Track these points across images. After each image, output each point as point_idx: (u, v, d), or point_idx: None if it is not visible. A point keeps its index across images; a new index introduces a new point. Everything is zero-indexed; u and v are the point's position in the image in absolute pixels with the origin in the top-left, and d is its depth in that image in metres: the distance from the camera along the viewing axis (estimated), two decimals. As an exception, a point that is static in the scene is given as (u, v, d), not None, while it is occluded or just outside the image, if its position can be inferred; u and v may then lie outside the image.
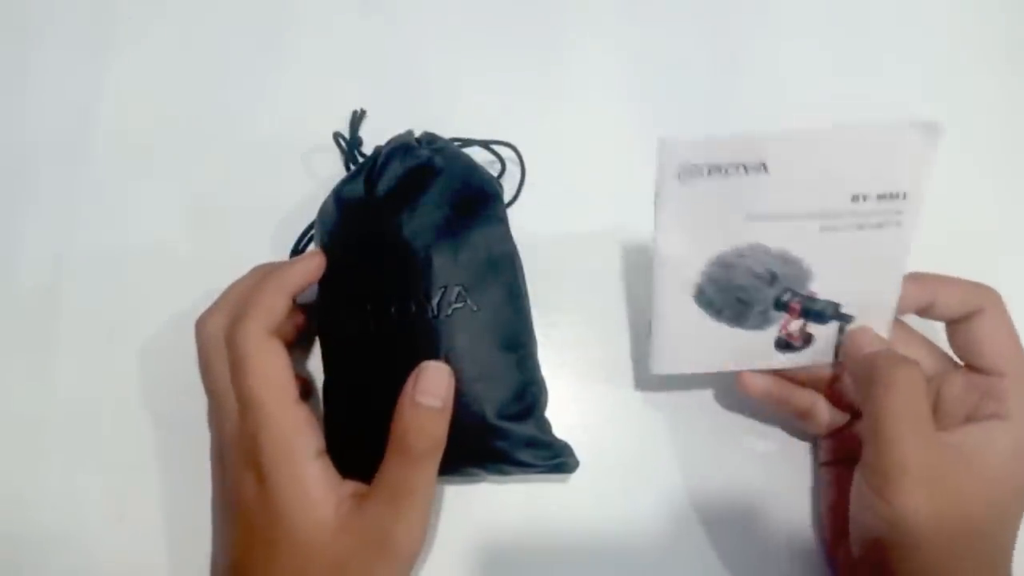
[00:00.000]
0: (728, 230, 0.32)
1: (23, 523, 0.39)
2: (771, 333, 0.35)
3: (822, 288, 0.34)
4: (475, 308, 0.35)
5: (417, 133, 0.40)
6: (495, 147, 0.41)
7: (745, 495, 0.39)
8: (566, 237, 0.43)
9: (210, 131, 0.45)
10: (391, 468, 0.32)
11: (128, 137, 0.45)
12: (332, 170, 0.43)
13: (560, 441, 0.37)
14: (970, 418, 0.33)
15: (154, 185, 0.44)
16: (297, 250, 0.42)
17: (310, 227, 0.41)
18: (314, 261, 0.36)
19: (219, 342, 0.33)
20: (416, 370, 0.33)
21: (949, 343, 0.36)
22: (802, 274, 0.33)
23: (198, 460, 0.39)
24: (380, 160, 0.37)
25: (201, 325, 0.35)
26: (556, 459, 0.36)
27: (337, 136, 0.41)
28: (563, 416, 0.38)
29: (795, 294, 0.34)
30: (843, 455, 0.37)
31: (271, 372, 0.32)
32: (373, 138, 0.40)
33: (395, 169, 0.37)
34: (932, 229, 0.42)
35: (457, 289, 0.35)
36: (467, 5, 0.48)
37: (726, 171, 0.31)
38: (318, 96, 0.46)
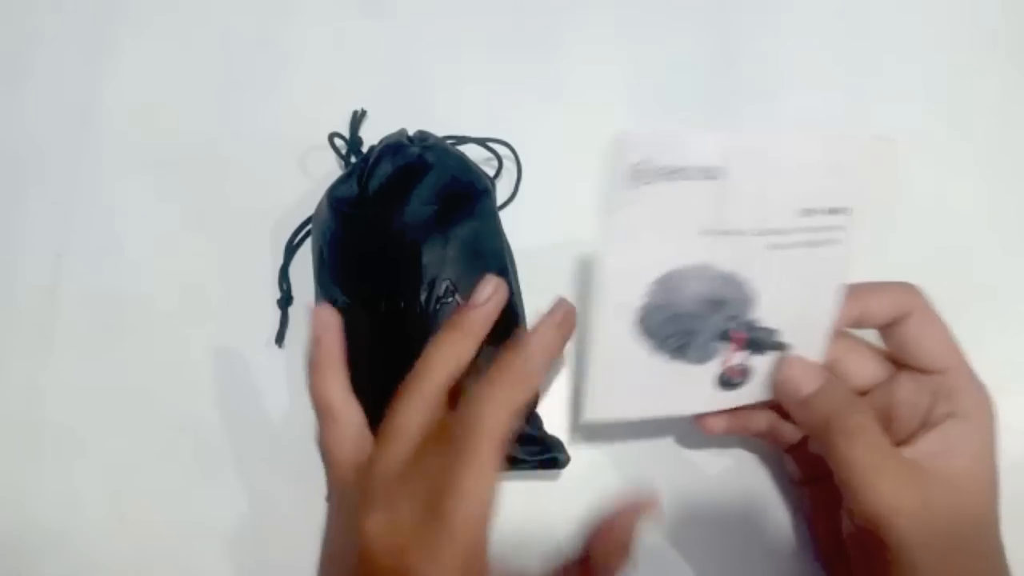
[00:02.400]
0: (678, 244, 0.30)
1: (23, 523, 0.39)
2: (712, 369, 0.33)
3: (763, 314, 0.32)
4: (463, 303, 0.35)
5: (412, 132, 0.40)
6: (492, 145, 0.42)
7: (745, 494, 0.39)
8: (564, 235, 0.43)
9: (210, 131, 0.45)
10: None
11: (128, 137, 0.45)
12: (331, 170, 0.43)
13: (551, 437, 0.37)
14: (926, 423, 0.32)
15: (154, 185, 0.44)
16: (291, 246, 0.42)
17: (304, 224, 0.42)
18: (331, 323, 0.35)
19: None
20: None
21: (886, 347, 0.35)
22: (745, 299, 0.31)
23: (198, 460, 0.40)
24: (372, 159, 0.38)
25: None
26: (547, 455, 0.36)
27: (332, 137, 0.41)
28: (562, 416, 0.38)
29: (740, 322, 0.32)
30: (811, 472, 0.37)
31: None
32: (373, 138, 0.40)
33: (386, 168, 0.37)
34: (932, 229, 0.43)
35: (445, 284, 0.35)
36: (467, 5, 0.48)
37: (682, 174, 0.28)
38: (318, 96, 0.46)
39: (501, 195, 0.42)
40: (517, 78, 0.46)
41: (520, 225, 0.42)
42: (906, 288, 0.34)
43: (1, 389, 0.41)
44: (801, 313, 0.32)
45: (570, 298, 0.38)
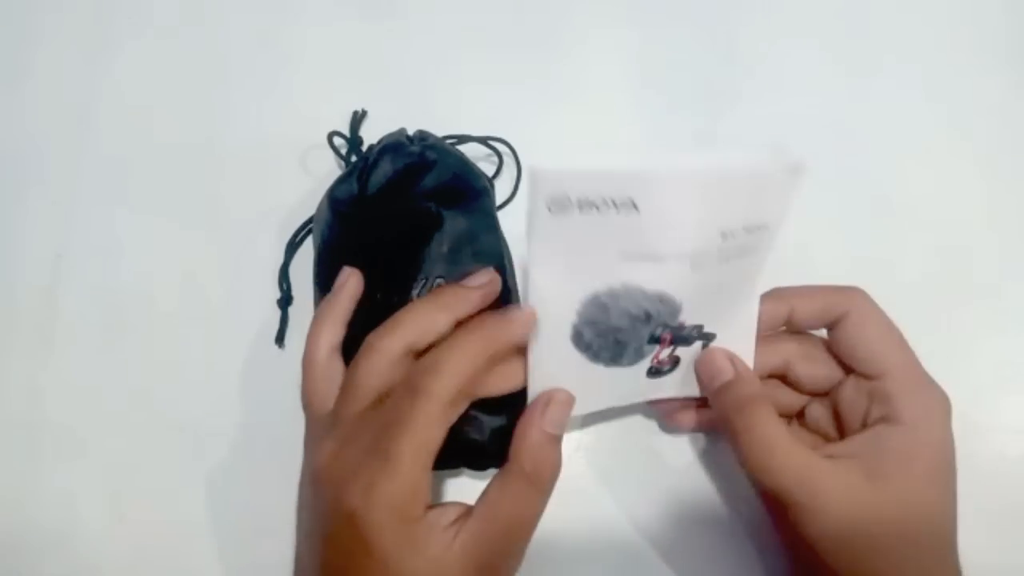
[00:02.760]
0: (602, 268, 0.31)
1: (23, 523, 0.39)
2: (644, 366, 0.35)
3: (689, 316, 0.33)
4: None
5: (412, 132, 0.40)
6: (492, 144, 0.42)
7: (742, 494, 0.39)
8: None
9: (211, 130, 0.45)
10: (513, 496, 0.31)
11: (128, 137, 0.45)
12: (332, 169, 0.43)
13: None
14: (864, 424, 0.33)
15: (154, 185, 0.45)
16: (294, 243, 0.42)
17: (305, 224, 0.42)
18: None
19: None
20: (544, 398, 0.32)
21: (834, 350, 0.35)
22: (674, 309, 0.33)
23: (198, 460, 0.40)
24: (371, 159, 0.38)
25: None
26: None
27: (331, 136, 0.41)
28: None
29: (667, 327, 0.33)
30: None
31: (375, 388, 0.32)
32: (374, 138, 0.40)
33: (385, 167, 0.37)
34: (932, 229, 0.43)
35: (438, 280, 0.36)
36: (467, 4, 0.48)
37: (597, 207, 0.28)
38: (318, 96, 0.46)
39: (501, 194, 0.42)
40: (517, 78, 0.46)
41: (519, 224, 0.41)
42: (844, 291, 0.34)
43: (1, 389, 0.41)
44: (725, 314, 0.34)
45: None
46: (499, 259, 0.38)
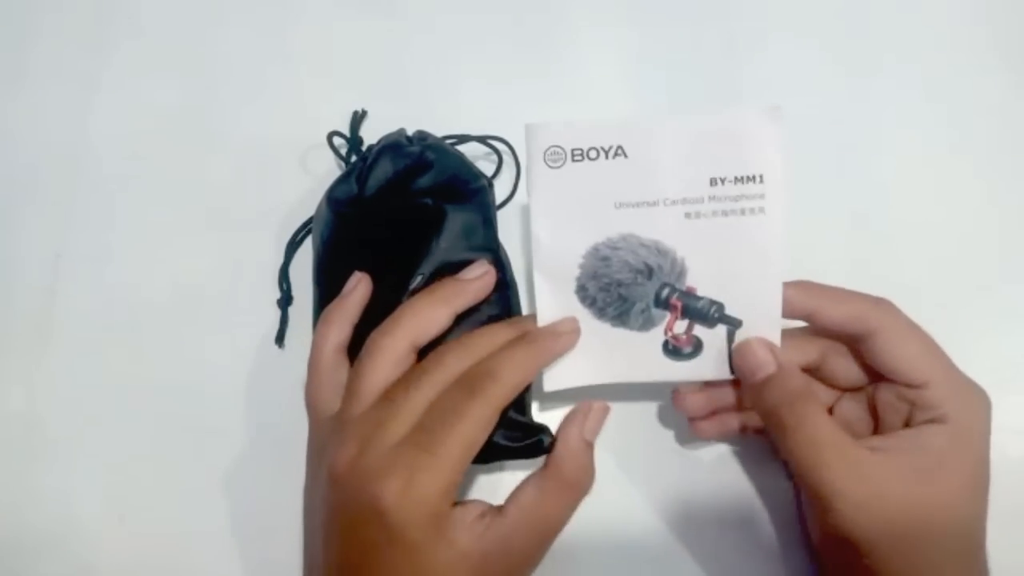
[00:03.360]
0: (599, 218, 0.34)
1: (23, 523, 0.39)
2: (657, 336, 0.35)
3: (699, 284, 0.34)
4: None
5: (412, 132, 0.40)
6: (492, 143, 0.42)
7: (745, 491, 0.39)
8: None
9: (211, 131, 0.45)
10: (552, 500, 0.32)
11: (128, 136, 0.45)
12: (332, 169, 0.43)
13: (536, 423, 0.36)
14: (906, 424, 0.33)
15: (154, 185, 0.45)
16: (294, 243, 0.42)
17: (305, 224, 0.42)
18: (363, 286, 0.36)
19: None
20: (585, 407, 0.34)
21: (863, 359, 0.35)
22: (677, 267, 0.34)
23: (198, 460, 0.40)
24: (370, 159, 0.38)
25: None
26: (530, 440, 0.35)
27: (331, 136, 0.41)
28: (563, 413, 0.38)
29: (674, 289, 0.34)
30: None
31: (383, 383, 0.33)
32: (373, 138, 0.40)
33: (385, 167, 0.38)
34: (932, 229, 0.43)
35: (431, 276, 0.36)
36: (467, 4, 0.48)
37: (588, 155, 0.33)
38: (318, 96, 0.46)
39: (501, 193, 0.42)
40: (517, 77, 0.46)
41: (519, 223, 0.42)
42: (876, 305, 0.33)
43: (1, 389, 0.41)
44: (743, 289, 0.34)
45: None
46: (495, 256, 0.38)
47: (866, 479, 0.30)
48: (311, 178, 0.44)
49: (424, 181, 0.38)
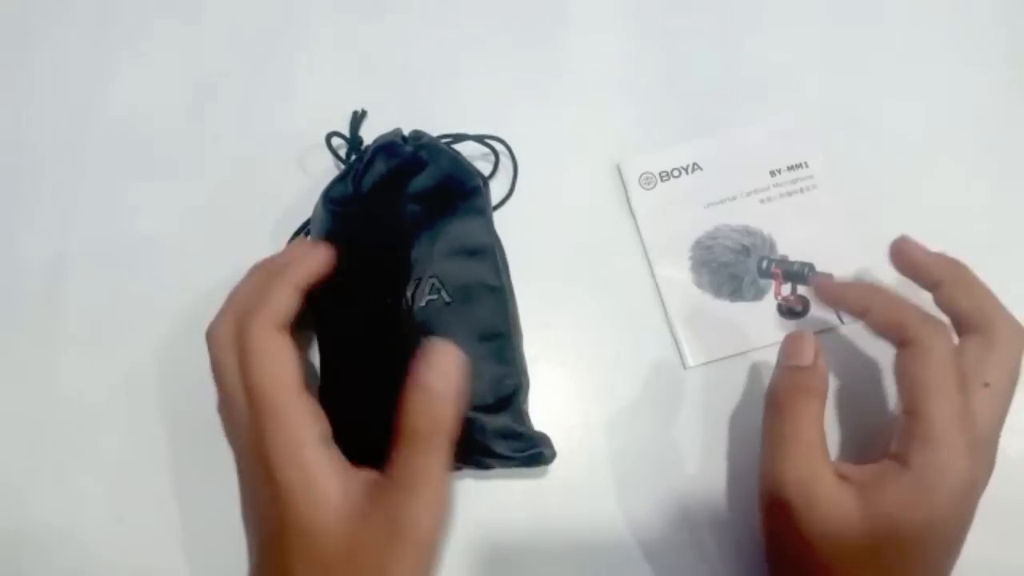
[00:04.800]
0: (694, 217, 0.42)
1: (23, 523, 0.39)
2: (770, 302, 0.41)
3: (790, 252, 0.42)
4: (448, 300, 0.35)
5: (408, 131, 0.40)
6: (489, 142, 0.42)
7: (741, 492, 0.39)
8: (560, 232, 0.43)
9: (211, 131, 0.45)
10: (402, 453, 0.30)
11: (128, 136, 0.45)
12: (330, 168, 0.43)
13: (536, 433, 0.37)
14: (884, 453, 0.32)
15: (155, 184, 0.44)
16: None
17: (305, 224, 0.41)
18: (320, 253, 0.35)
19: (228, 345, 0.33)
20: (423, 352, 0.31)
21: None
22: (767, 242, 0.42)
23: (198, 459, 0.39)
24: (366, 159, 0.38)
25: (210, 332, 0.34)
26: (530, 450, 0.36)
27: (329, 137, 0.41)
28: (566, 416, 0.39)
29: (771, 260, 0.41)
30: None
31: (276, 366, 0.31)
32: (372, 138, 0.40)
33: (379, 167, 0.38)
34: (932, 229, 0.43)
35: (431, 281, 0.36)
36: (467, 5, 0.47)
37: (672, 174, 0.43)
38: (318, 96, 0.45)
39: (498, 193, 0.42)
40: (517, 77, 0.46)
41: (517, 222, 0.41)
42: (925, 323, 0.33)
43: (1, 389, 0.40)
44: (821, 247, 0.42)
45: (565, 292, 0.40)
46: (492, 256, 0.38)
47: (815, 497, 0.31)
48: (309, 178, 0.43)
49: (419, 181, 0.37)
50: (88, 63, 0.46)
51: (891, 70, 0.46)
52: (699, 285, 0.41)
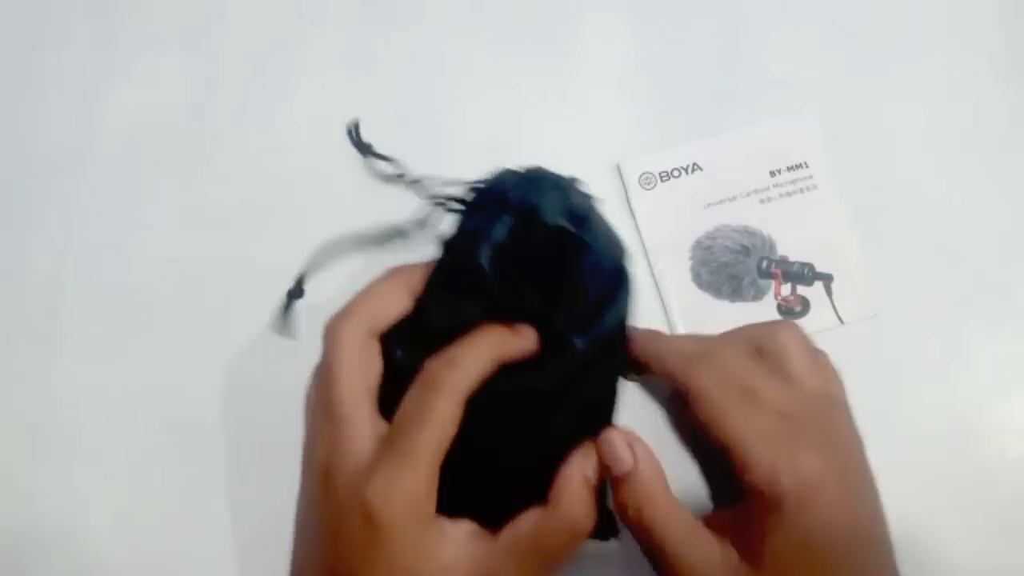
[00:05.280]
0: (694, 218, 0.42)
1: (23, 523, 0.39)
2: (769, 302, 0.41)
3: (789, 252, 0.42)
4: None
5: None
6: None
7: (740, 492, 0.39)
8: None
9: (210, 130, 0.45)
10: (544, 532, 0.30)
11: (131, 136, 0.45)
12: (333, 169, 0.43)
13: (606, 509, 0.34)
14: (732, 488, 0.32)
15: (156, 185, 0.44)
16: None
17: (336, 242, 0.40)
18: None
19: (354, 343, 0.32)
20: (587, 449, 0.32)
21: None
22: (766, 242, 0.42)
23: (199, 459, 0.39)
24: (532, 201, 0.33)
25: (334, 328, 0.32)
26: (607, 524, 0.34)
27: (350, 132, 0.41)
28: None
29: (771, 260, 0.41)
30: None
31: (358, 382, 0.31)
32: (373, 139, 0.40)
33: (554, 214, 0.32)
34: (932, 229, 0.43)
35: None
36: (468, 5, 0.47)
37: (672, 174, 0.43)
38: (318, 96, 0.46)
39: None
40: (517, 77, 0.46)
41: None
42: (695, 360, 0.33)
43: (3, 389, 0.41)
44: (820, 246, 0.42)
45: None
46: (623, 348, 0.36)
47: (700, 556, 0.30)
48: (313, 179, 0.43)
49: (586, 265, 0.33)
50: (90, 63, 0.46)
51: (891, 70, 0.46)
52: (699, 285, 0.41)
